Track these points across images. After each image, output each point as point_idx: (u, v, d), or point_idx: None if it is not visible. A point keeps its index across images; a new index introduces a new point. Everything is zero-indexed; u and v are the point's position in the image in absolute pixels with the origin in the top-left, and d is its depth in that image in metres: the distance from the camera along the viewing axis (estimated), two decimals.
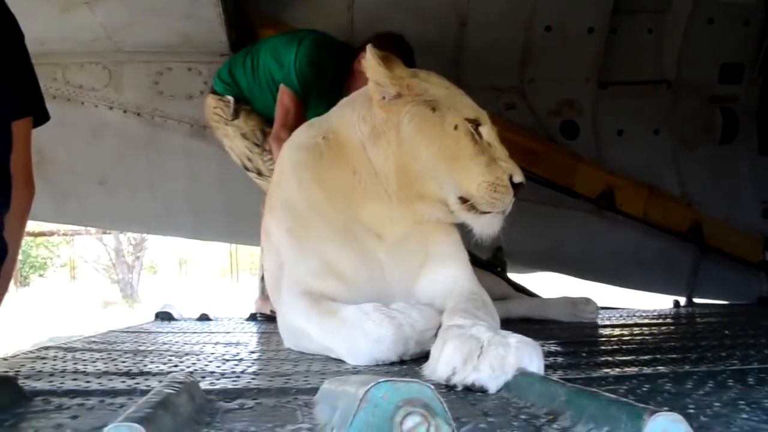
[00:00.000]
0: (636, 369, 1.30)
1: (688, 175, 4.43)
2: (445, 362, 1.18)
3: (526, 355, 1.12)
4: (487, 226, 1.80)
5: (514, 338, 1.16)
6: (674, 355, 1.53)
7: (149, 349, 2.04)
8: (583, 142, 4.37)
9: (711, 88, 4.46)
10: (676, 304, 4.03)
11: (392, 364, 1.54)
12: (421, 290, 1.84)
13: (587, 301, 2.91)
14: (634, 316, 3.20)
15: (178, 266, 21.24)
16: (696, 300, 4.30)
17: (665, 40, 4.39)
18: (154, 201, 4.02)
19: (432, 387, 0.71)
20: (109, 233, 15.56)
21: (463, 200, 1.78)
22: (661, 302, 4.41)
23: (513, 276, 3.77)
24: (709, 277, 4.42)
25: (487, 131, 1.82)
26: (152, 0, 3.31)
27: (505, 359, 1.11)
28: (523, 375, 1.07)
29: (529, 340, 1.17)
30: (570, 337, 2.15)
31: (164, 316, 3.31)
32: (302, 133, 2.06)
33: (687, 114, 4.45)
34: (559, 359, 1.56)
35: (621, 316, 3.18)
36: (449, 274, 1.84)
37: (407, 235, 1.87)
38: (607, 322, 2.81)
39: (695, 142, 4.46)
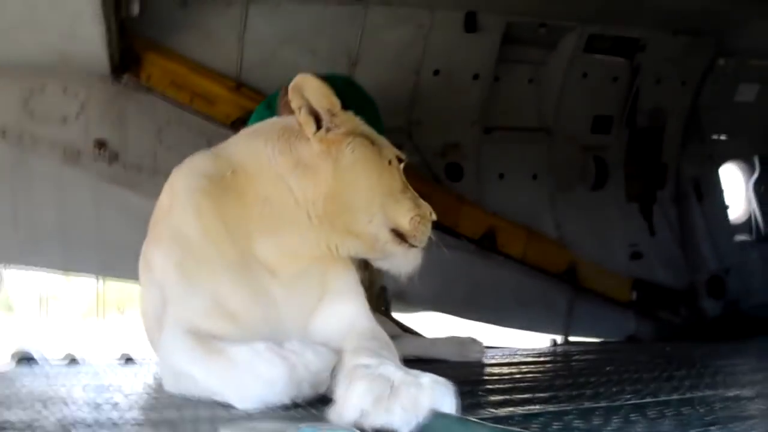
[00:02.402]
0: (539, 406, 1.29)
1: (563, 218, 4.64)
2: (354, 404, 1.11)
3: (439, 395, 1.08)
4: (412, 261, 1.83)
5: (426, 377, 1.12)
6: (571, 392, 1.55)
7: (5, 393, 1.81)
8: (467, 184, 4.49)
9: (585, 137, 4.73)
10: (554, 342, 4.17)
11: (286, 407, 1.44)
12: (318, 328, 1.77)
13: (473, 340, 2.93)
14: (517, 354, 3.26)
15: (38, 304, 19.71)
16: (571, 338, 4.48)
17: (544, 90, 4.63)
18: (19, 230, 3.68)
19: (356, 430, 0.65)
20: None
21: (395, 233, 1.76)
22: (537, 341, 4.54)
23: (397, 316, 3.77)
24: (583, 317, 4.62)
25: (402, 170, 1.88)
26: (25, 13, 3.05)
27: (418, 399, 1.06)
28: (438, 416, 1.02)
29: (442, 379, 1.13)
30: (462, 376, 2.13)
31: (23, 358, 2.99)
32: (205, 161, 1.92)
33: (563, 161, 4.68)
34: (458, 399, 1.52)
35: (504, 354, 3.23)
36: (348, 311, 1.78)
37: (304, 271, 1.80)
38: (494, 361, 2.84)
39: (571, 187, 4.70)
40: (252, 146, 1.87)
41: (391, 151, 1.87)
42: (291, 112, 1.85)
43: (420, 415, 1.04)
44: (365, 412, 1.08)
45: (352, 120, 1.84)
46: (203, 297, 1.70)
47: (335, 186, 1.75)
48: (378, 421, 1.06)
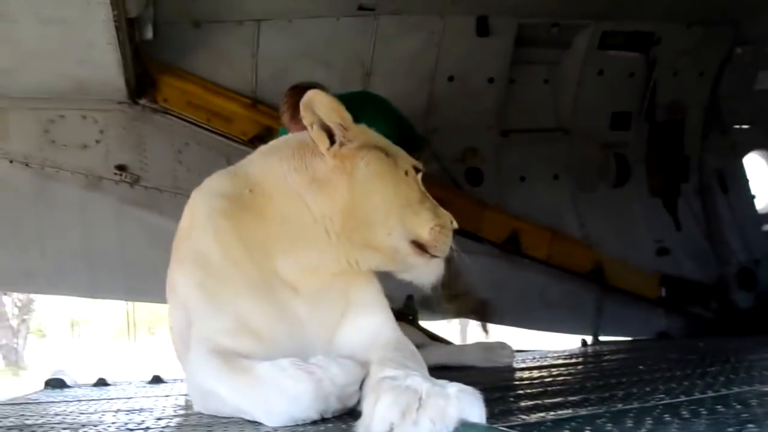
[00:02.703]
0: (570, 411, 1.27)
1: (587, 217, 4.60)
2: (381, 417, 1.09)
3: (467, 404, 1.07)
4: (434, 271, 1.80)
5: (453, 387, 1.10)
6: (602, 394, 1.52)
7: (38, 422, 1.82)
8: (488, 188, 4.47)
9: (604, 134, 4.69)
10: (584, 343, 4.11)
11: (314, 422, 1.43)
12: (342, 342, 1.75)
13: (502, 345, 2.89)
14: (548, 357, 3.23)
15: (69, 329, 19.98)
16: (601, 338, 4.42)
17: (560, 90, 4.60)
18: (44, 258, 3.73)
19: None
20: None
21: (416, 244, 1.75)
22: (567, 342, 4.50)
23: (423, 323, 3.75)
24: (612, 316, 4.56)
25: (420, 179, 1.85)
26: (41, 42, 3.10)
27: (446, 411, 1.05)
28: (466, 426, 1.01)
29: (469, 388, 1.11)
30: (492, 382, 2.11)
31: (55, 384, 3.01)
32: (223, 181, 1.92)
33: (583, 159, 4.64)
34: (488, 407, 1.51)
35: (535, 358, 3.20)
36: (372, 323, 1.77)
37: (326, 285, 1.79)
38: (524, 365, 2.81)
39: (592, 186, 4.66)
40: (268, 164, 1.86)
41: (407, 162, 1.84)
42: (301, 128, 1.85)
43: (449, 425, 1.03)
44: (393, 425, 1.07)
45: (365, 133, 1.83)
46: (227, 316, 1.70)
47: (351, 200, 1.74)
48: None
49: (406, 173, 1.80)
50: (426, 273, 1.80)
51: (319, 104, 1.77)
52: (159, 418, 1.82)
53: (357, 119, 1.83)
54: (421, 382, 1.15)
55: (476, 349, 2.90)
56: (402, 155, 1.85)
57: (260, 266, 1.74)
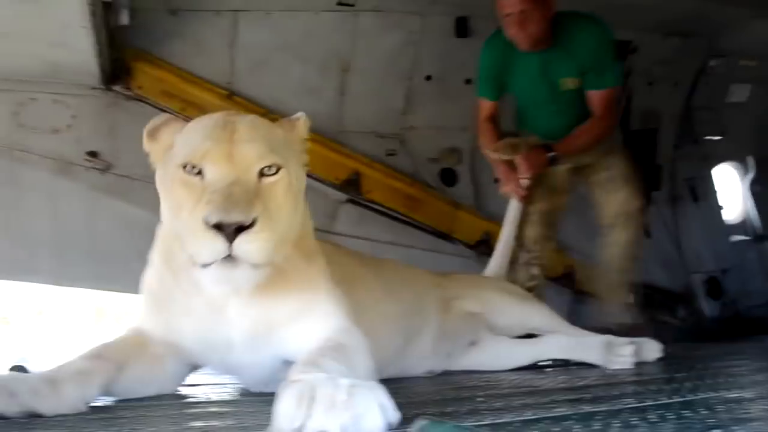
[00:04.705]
0: (538, 412, 1.27)
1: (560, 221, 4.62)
2: (282, 414, 1.10)
3: (360, 394, 1.08)
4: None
5: (347, 380, 1.13)
6: (570, 396, 1.53)
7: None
8: (462, 189, 4.48)
9: None
10: None
11: None
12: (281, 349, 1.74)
13: (648, 340, 2.52)
14: None
15: (35, 316, 19.60)
16: None
17: None
18: (11, 244, 3.65)
19: None
20: None
21: None
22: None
23: None
24: (582, 320, 4.58)
25: None
26: (14, 23, 3.02)
27: (335, 398, 1.07)
28: (434, 424, 0.99)
29: (369, 383, 1.13)
30: (459, 383, 2.11)
31: (19, 371, 2.95)
32: None
33: None
34: (455, 406, 1.50)
35: None
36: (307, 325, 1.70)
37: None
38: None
39: None
40: None
41: None
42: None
43: (342, 414, 1.04)
44: (293, 418, 1.07)
45: None
46: None
47: None
48: (313, 425, 1.05)
49: None
50: None
51: None
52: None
53: None
54: (318, 377, 1.15)
55: (599, 344, 2.47)
56: None
57: None
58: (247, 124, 1.62)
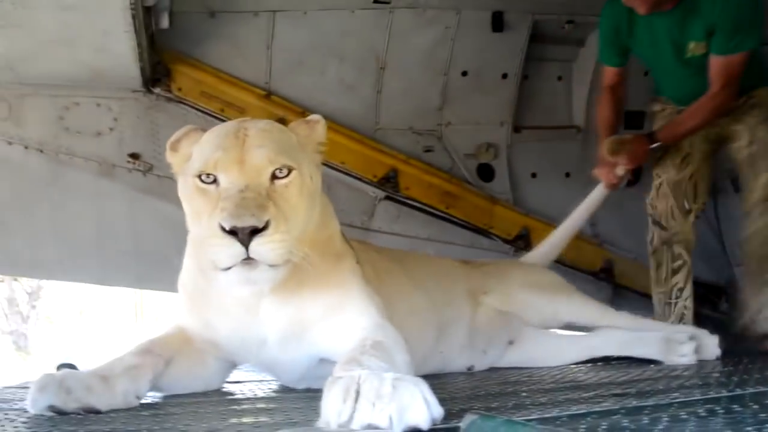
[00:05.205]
0: (585, 407, 1.26)
1: (598, 216, 4.57)
2: (330, 409, 1.14)
3: (404, 387, 1.10)
4: None
5: (391, 373, 1.16)
6: (616, 390, 1.52)
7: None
8: (499, 184, 4.46)
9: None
10: None
11: None
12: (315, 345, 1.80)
13: (707, 334, 2.46)
14: None
15: (77, 316, 20.05)
16: None
17: (574, 87, 4.58)
18: (57, 244, 3.75)
19: None
20: (1, 280, 14.52)
21: None
22: None
23: None
24: None
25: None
26: (59, 30, 3.11)
27: (381, 390, 1.09)
28: (484, 418, 1.00)
29: (413, 377, 1.15)
30: (503, 377, 2.11)
31: (67, 369, 3.03)
32: None
33: (596, 158, 4.60)
34: (500, 401, 1.50)
35: None
36: (342, 322, 1.76)
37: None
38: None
39: None
40: None
41: None
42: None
43: (387, 404, 1.06)
44: (340, 412, 1.10)
45: None
46: None
47: None
48: (360, 418, 1.08)
49: None
50: None
51: None
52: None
53: None
54: (362, 373, 1.18)
55: (657, 340, 2.40)
56: None
57: None
58: (257, 129, 1.68)
